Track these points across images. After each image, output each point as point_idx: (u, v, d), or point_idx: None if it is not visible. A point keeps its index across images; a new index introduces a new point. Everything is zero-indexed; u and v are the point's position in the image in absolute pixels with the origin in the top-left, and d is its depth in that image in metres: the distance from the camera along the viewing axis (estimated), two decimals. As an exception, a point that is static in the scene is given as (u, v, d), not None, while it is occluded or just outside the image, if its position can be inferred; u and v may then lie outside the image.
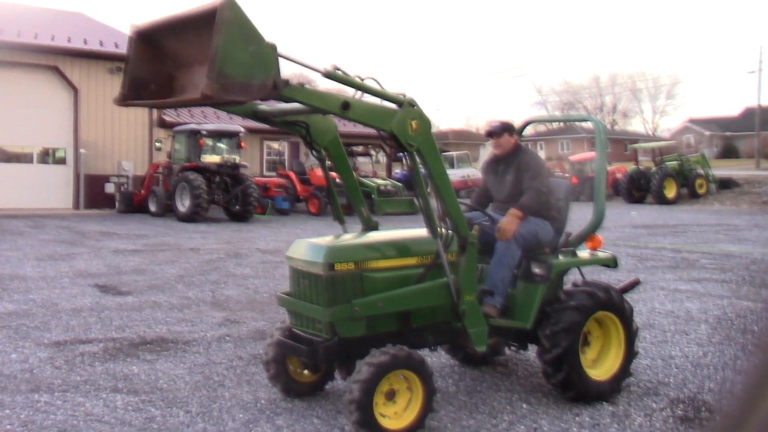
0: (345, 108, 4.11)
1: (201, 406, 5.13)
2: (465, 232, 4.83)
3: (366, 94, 4.30)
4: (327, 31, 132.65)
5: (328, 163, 5.32)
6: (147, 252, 13.54)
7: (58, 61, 24.27)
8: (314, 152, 5.12)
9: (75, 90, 24.67)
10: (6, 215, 20.73)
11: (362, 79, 4.28)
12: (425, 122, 4.47)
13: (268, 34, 3.77)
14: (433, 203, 4.76)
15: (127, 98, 4.25)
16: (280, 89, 3.84)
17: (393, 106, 4.39)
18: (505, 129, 5.76)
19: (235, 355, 6.45)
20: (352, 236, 5.17)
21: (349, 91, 4.31)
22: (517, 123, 6.33)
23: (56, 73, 24.49)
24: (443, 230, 4.79)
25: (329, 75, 4.11)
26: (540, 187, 5.50)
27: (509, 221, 5.33)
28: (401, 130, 4.36)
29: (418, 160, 4.54)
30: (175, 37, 4.19)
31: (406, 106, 4.37)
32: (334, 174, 5.50)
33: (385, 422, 4.47)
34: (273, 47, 3.80)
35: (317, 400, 5.25)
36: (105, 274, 10.93)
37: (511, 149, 5.77)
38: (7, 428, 4.66)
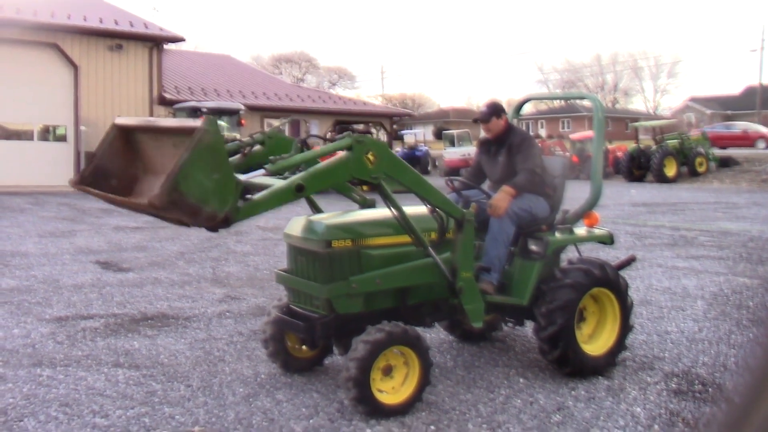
0: (299, 190, 4.14)
1: (202, 381, 5.20)
2: (458, 213, 4.89)
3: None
4: (328, 6, 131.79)
5: None
6: (148, 229, 13.57)
7: (57, 38, 24.14)
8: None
9: (75, 67, 24.58)
10: (7, 192, 20.74)
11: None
12: (380, 148, 4.48)
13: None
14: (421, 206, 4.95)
15: (84, 182, 4.20)
16: (231, 223, 3.90)
17: (344, 152, 4.37)
18: (491, 113, 5.70)
19: (235, 330, 6.52)
20: (349, 213, 5.21)
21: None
22: (516, 99, 6.31)
23: (56, 50, 24.36)
24: (438, 217, 4.93)
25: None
26: (533, 167, 5.52)
27: (501, 198, 5.36)
28: (361, 171, 4.36)
29: (385, 185, 4.52)
30: (154, 142, 4.19)
31: (355, 145, 4.35)
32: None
33: (382, 397, 4.53)
34: (238, 182, 3.85)
35: (316, 375, 5.31)
36: (106, 250, 10.99)
37: (501, 131, 5.74)
38: (9, 401, 4.73)
